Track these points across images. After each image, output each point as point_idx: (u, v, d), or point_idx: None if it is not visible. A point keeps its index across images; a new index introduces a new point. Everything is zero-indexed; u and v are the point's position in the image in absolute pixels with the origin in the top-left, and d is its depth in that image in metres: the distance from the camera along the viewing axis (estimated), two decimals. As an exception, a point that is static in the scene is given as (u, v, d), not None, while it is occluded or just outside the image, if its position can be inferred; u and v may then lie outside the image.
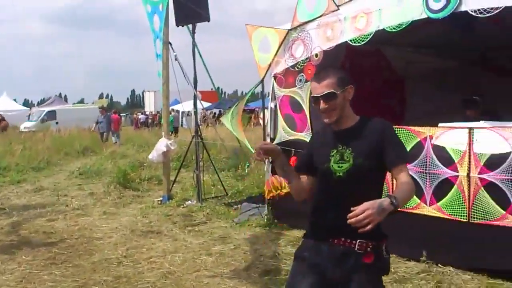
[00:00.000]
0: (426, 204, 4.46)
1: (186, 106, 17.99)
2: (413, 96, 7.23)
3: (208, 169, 9.00)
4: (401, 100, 7.37)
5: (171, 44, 7.84)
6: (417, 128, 4.61)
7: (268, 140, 6.32)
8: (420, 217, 4.53)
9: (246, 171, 10.23)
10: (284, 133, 5.94)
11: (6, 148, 14.84)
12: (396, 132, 2.37)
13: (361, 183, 2.23)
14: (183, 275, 4.50)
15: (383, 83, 7.01)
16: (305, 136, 5.63)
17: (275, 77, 6.05)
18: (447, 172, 4.34)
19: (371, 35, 4.80)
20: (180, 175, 9.09)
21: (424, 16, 4.37)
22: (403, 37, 5.14)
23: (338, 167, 2.27)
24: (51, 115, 32.49)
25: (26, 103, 76.04)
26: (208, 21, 7.77)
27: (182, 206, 7.52)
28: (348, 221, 1.95)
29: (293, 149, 5.77)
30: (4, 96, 40.17)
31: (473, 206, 4.20)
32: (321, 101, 2.26)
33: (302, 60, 5.63)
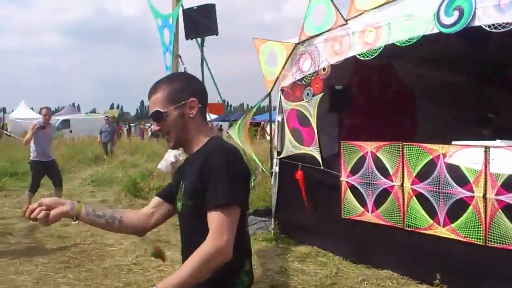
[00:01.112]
0: (440, 225, 4.31)
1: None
2: (424, 112, 7.15)
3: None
4: (411, 116, 7.28)
5: (180, 57, 7.90)
6: (429, 146, 4.48)
7: (275, 153, 6.28)
8: (433, 238, 4.38)
9: (252, 185, 10.18)
10: (291, 146, 5.89)
11: (24, 154, 15.05)
12: (232, 164, 1.69)
13: (197, 221, 1.72)
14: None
15: (393, 98, 6.95)
16: (312, 150, 5.58)
17: (282, 90, 6.02)
18: (462, 192, 4.16)
19: (380, 49, 4.74)
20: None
21: (435, 30, 4.29)
22: (413, 51, 5.09)
23: (178, 201, 1.88)
24: (65, 123, 33.02)
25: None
26: (217, 34, 7.82)
27: (188, 218, 7.47)
28: None
29: (300, 163, 5.74)
30: (22, 105, 40.96)
31: (490, 229, 3.97)
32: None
33: (309, 74, 5.60)
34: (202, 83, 1.92)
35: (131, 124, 45.19)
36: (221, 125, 27.96)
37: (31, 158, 7.77)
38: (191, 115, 1.79)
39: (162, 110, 1.78)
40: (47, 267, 5.11)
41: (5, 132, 29.27)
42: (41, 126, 7.57)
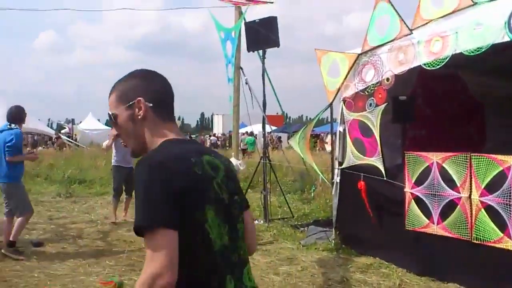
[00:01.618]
0: (511, 238, 4.18)
1: (254, 129, 18.52)
2: (492, 124, 6.91)
3: (274, 191, 9.07)
4: (478, 128, 7.06)
5: (242, 69, 8.09)
6: (499, 157, 4.35)
7: (336, 164, 6.29)
8: (503, 252, 4.24)
9: (312, 195, 10.20)
10: (353, 157, 5.88)
11: (91, 163, 16.00)
12: (150, 178, 1.41)
13: None
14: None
15: (458, 109, 6.78)
16: (375, 161, 5.55)
17: (344, 101, 6.04)
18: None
19: (447, 58, 4.67)
20: (247, 195, 9.19)
21: (506, 39, 4.18)
22: (480, 61, 4.97)
23: None
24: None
25: (108, 123, 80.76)
26: (278, 46, 7.96)
27: (249, 226, 7.60)
28: None
29: (362, 174, 5.72)
30: (89, 116, 43.14)
31: None
32: None
33: (372, 84, 5.59)
34: (163, 80, 1.67)
35: (191, 136, 46.28)
36: (280, 137, 28.15)
37: (112, 163, 7.99)
38: (139, 116, 1.58)
39: (110, 112, 1.64)
40: (114, 269, 5.35)
41: (73, 141, 31.06)
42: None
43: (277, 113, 25.09)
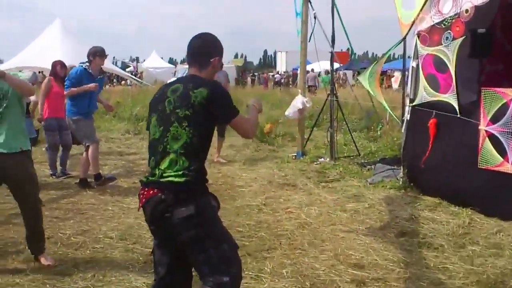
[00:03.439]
0: None
1: (320, 65, 18.22)
2: None
3: (340, 129, 9.05)
4: None
5: (310, 2, 7.87)
6: None
7: (407, 101, 6.14)
8: None
9: (379, 133, 10.07)
10: (426, 94, 5.70)
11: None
12: None
13: None
14: (319, 227, 4.72)
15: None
16: (449, 97, 5.35)
17: (418, 34, 5.77)
18: None
19: (536, -13, 4.32)
20: (313, 133, 9.27)
21: None
22: None
23: None
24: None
25: (171, 61, 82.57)
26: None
27: (315, 162, 7.74)
28: None
29: (434, 111, 5.56)
30: (153, 54, 44.04)
31: None
32: None
33: (450, 17, 5.28)
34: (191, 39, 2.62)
35: (254, 74, 46.18)
36: (345, 73, 27.49)
37: None
38: None
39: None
40: None
41: (138, 80, 32.04)
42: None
43: (341, 50, 24.33)
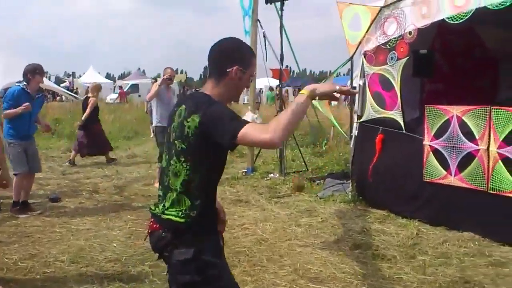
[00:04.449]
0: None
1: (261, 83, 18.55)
2: (507, 78, 6.92)
3: (287, 145, 9.21)
4: (493, 81, 7.09)
5: (259, 21, 8.02)
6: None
7: (355, 117, 6.37)
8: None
9: (324, 148, 10.36)
10: (372, 110, 5.95)
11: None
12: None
13: None
14: (276, 243, 4.77)
15: (475, 63, 6.78)
16: (395, 114, 5.63)
17: (365, 54, 6.05)
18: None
19: (471, 12, 4.66)
20: (262, 149, 9.34)
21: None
22: (500, 15, 4.93)
23: None
24: (134, 88, 34.32)
25: (108, 76, 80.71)
26: (296, -3, 7.85)
27: (265, 178, 7.83)
28: None
29: (380, 127, 5.82)
30: (90, 70, 42.88)
31: None
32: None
33: (394, 38, 5.58)
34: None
35: (197, 89, 45.90)
36: (287, 90, 28.13)
37: (154, 124, 7.34)
38: None
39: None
40: (136, 224, 5.37)
41: (72, 94, 31.01)
42: (168, 78, 7.01)
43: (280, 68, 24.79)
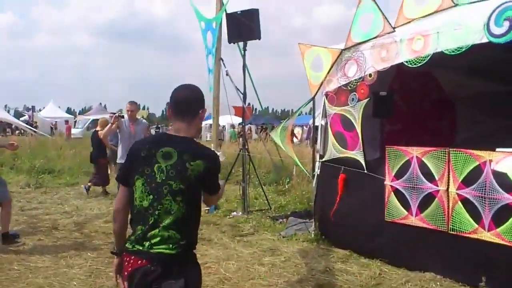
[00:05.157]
0: (485, 229, 4.41)
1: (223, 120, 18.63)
2: (464, 120, 7.20)
3: (250, 182, 9.17)
4: (451, 123, 7.35)
5: (222, 60, 8.11)
6: (476, 152, 4.58)
7: (317, 156, 6.43)
8: (478, 242, 4.48)
9: (287, 186, 10.36)
10: (334, 150, 6.03)
11: (59, 152, 15.64)
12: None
13: None
14: (239, 282, 4.66)
15: (433, 105, 7.04)
16: (356, 154, 5.71)
17: (326, 95, 6.17)
18: (509, 198, 4.26)
19: (429, 57, 4.84)
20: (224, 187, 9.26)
21: (485, 40, 4.37)
22: (456, 60, 5.13)
23: None
24: (96, 123, 33.75)
25: (69, 111, 79.33)
26: (259, 39, 8.01)
27: (228, 216, 7.72)
28: None
29: (342, 167, 5.88)
30: (51, 104, 42.12)
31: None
32: None
33: (355, 80, 5.73)
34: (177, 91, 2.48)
35: (159, 126, 45.58)
36: (250, 127, 28.30)
37: (117, 160, 7.28)
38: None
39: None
40: (96, 262, 5.27)
41: (32, 129, 30.24)
42: (119, 115, 6.93)
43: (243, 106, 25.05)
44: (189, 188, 2.26)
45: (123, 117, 6.95)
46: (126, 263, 2.26)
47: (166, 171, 2.26)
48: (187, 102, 2.42)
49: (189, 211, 2.29)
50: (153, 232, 2.23)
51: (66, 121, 35.94)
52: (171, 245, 2.22)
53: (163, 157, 2.29)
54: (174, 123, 2.43)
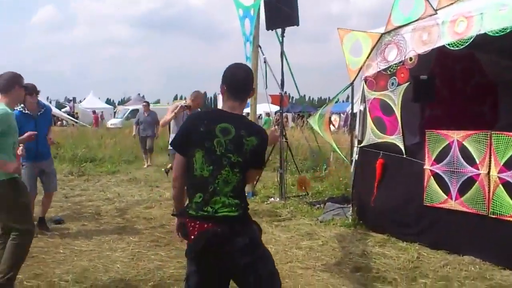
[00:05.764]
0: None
1: (260, 108, 18.69)
2: (506, 104, 7.02)
3: (287, 169, 9.24)
4: (492, 107, 7.18)
5: (260, 47, 8.16)
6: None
7: (356, 142, 6.43)
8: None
9: (324, 173, 10.37)
10: (373, 135, 6.01)
11: (100, 142, 16.14)
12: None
13: None
14: (277, 265, 4.59)
15: (475, 89, 6.89)
16: (395, 139, 5.68)
17: (365, 80, 6.14)
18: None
19: (472, 39, 4.76)
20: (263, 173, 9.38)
21: (530, 20, 4.27)
22: (499, 42, 5.03)
23: None
24: (135, 113, 34.49)
25: (108, 102, 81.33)
26: (297, 25, 8.00)
27: (266, 202, 7.83)
28: None
29: (381, 152, 5.86)
30: (91, 95, 43.32)
31: None
32: None
33: (395, 64, 5.67)
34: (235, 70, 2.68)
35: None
36: (286, 115, 28.32)
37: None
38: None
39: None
40: (138, 245, 5.41)
41: (73, 119, 31.17)
42: (186, 105, 6.86)
43: (279, 93, 25.04)
44: (245, 161, 2.49)
45: (188, 107, 6.91)
46: (191, 228, 2.47)
47: (225, 144, 2.48)
48: (244, 82, 2.63)
49: (243, 180, 2.54)
50: (214, 199, 2.47)
51: (93, 111, 36.23)
52: (233, 208, 2.48)
53: (222, 132, 2.49)
54: (228, 100, 2.62)
